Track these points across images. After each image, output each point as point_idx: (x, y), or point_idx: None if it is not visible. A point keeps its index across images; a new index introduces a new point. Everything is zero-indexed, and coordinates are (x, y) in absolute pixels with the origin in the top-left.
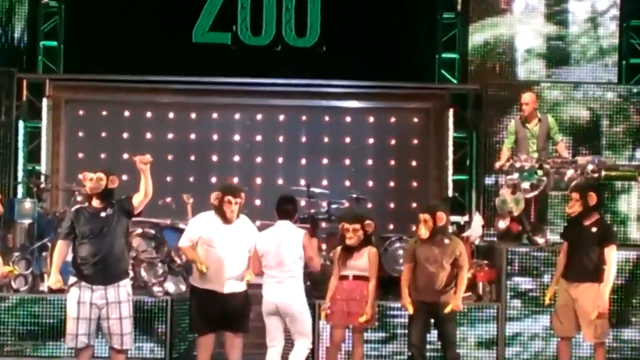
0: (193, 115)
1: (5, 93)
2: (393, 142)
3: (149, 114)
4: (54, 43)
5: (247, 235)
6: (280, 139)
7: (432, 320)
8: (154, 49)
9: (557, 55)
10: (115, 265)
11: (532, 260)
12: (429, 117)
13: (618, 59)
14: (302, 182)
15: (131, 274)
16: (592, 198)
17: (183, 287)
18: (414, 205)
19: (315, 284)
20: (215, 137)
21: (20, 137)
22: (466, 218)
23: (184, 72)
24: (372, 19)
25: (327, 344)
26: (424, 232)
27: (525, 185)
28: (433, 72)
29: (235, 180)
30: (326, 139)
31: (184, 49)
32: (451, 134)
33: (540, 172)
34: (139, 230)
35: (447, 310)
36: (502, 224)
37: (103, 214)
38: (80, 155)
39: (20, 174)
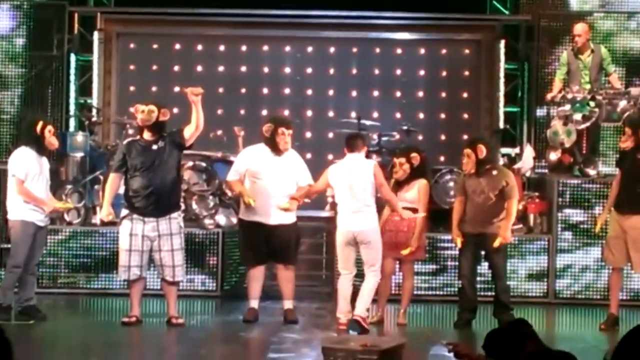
0: (243, 48)
1: (56, 26)
2: (444, 74)
3: (199, 47)
4: None
5: (294, 167)
6: (331, 71)
7: (483, 253)
8: None
9: None
10: (167, 198)
11: (583, 192)
12: (480, 49)
13: None
14: (353, 114)
15: (182, 206)
16: None
17: (234, 220)
18: (465, 137)
19: None
20: (265, 69)
21: (72, 71)
22: (517, 150)
23: (234, 4)
24: None
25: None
26: (468, 166)
27: (577, 116)
28: (485, 3)
29: (286, 112)
30: (377, 71)
31: None
32: (502, 65)
33: (592, 104)
34: (190, 163)
35: (496, 244)
36: (554, 156)
37: (155, 147)
38: (132, 88)
39: (72, 107)
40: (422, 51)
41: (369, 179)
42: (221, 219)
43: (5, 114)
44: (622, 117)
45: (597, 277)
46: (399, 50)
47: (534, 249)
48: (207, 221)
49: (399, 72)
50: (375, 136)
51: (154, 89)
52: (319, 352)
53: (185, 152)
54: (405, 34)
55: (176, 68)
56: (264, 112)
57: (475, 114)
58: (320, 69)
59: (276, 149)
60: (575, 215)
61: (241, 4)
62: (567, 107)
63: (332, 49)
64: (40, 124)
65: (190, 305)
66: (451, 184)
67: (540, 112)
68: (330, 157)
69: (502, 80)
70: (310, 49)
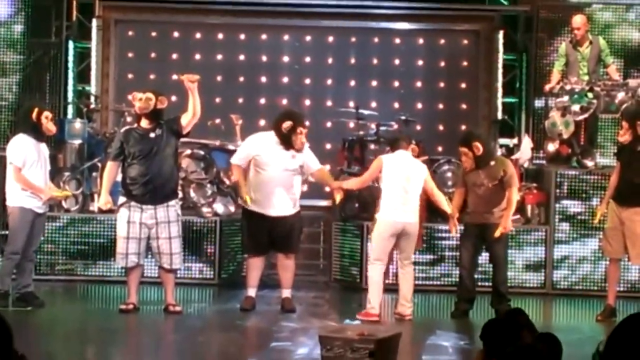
0: (242, 36)
1: (55, 13)
2: (442, 64)
3: (198, 35)
4: None
5: (301, 161)
6: (329, 60)
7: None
8: None
9: None
10: (164, 186)
11: (581, 183)
12: (479, 39)
13: None
14: (351, 104)
15: (180, 194)
16: None
17: (232, 208)
18: (463, 127)
19: (364, 206)
20: (264, 58)
21: (70, 58)
22: (515, 141)
23: None
24: None
25: None
26: (467, 164)
27: (575, 107)
28: None
29: (285, 102)
30: (375, 61)
31: None
32: (501, 56)
33: (590, 95)
34: (188, 151)
35: (497, 234)
36: (552, 147)
37: (152, 135)
38: (130, 76)
39: (70, 94)
40: (421, 41)
41: (423, 176)
42: (219, 207)
43: (3, 100)
44: (620, 108)
45: (595, 268)
46: (397, 40)
47: (531, 239)
48: (204, 209)
49: (397, 62)
50: (373, 126)
51: (152, 76)
52: (317, 340)
53: (183, 140)
54: (404, 24)
55: (174, 56)
56: (262, 101)
57: (474, 105)
58: (319, 58)
59: (290, 146)
60: (573, 206)
61: None
62: (565, 98)
63: (330, 38)
64: (36, 110)
65: (188, 293)
66: (449, 174)
67: (539, 103)
68: (328, 146)
69: (500, 71)
70: (308, 38)
